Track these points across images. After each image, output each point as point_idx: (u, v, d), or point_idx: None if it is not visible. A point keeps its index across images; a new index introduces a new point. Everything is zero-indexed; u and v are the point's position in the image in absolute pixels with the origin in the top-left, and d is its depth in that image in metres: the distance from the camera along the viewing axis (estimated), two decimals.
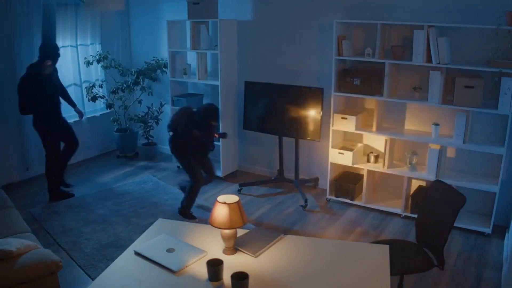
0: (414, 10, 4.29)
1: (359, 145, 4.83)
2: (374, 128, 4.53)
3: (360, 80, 4.42)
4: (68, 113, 5.80)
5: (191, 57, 5.73)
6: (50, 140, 4.71)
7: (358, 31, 4.64)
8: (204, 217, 4.47)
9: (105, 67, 5.87)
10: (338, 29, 4.44)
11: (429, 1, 4.21)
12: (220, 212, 2.35)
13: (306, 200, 4.77)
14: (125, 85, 5.87)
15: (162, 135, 6.32)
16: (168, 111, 5.87)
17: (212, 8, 5.14)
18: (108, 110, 6.01)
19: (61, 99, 4.87)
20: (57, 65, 4.93)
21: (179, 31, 5.59)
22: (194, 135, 4.28)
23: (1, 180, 5.14)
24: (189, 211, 4.48)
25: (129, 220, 4.45)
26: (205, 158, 4.57)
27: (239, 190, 5.15)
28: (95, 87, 5.82)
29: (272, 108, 4.94)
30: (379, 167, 4.54)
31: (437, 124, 4.30)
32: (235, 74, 5.41)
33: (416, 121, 4.54)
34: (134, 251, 2.49)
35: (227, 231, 2.41)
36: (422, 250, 2.99)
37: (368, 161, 4.66)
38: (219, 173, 5.48)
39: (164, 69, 5.94)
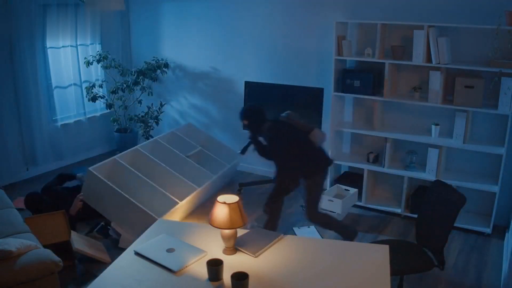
0: (414, 10, 4.29)
1: (359, 145, 4.83)
2: (374, 128, 4.54)
3: (360, 80, 4.42)
4: (68, 113, 5.82)
5: None
6: None
7: (358, 31, 4.64)
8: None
9: (105, 67, 5.86)
10: (338, 29, 4.44)
11: (429, 1, 4.21)
12: (220, 212, 2.35)
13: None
14: (125, 85, 5.87)
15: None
16: (169, 111, 5.85)
17: None
18: (108, 110, 6.01)
19: None
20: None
21: None
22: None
23: (1, 180, 5.14)
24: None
25: None
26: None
27: (239, 190, 5.15)
28: (95, 87, 5.81)
29: (272, 108, 4.94)
30: (379, 167, 4.54)
31: (437, 124, 4.30)
32: (235, 74, 5.40)
33: (416, 121, 4.54)
34: (134, 251, 2.49)
35: (227, 231, 2.41)
36: (422, 250, 2.99)
37: (368, 161, 4.66)
38: None
39: (164, 69, 5.94)
